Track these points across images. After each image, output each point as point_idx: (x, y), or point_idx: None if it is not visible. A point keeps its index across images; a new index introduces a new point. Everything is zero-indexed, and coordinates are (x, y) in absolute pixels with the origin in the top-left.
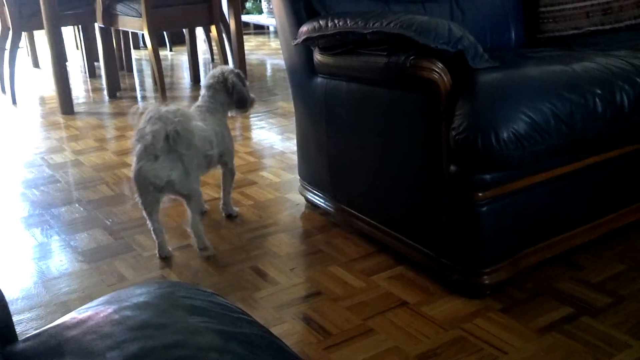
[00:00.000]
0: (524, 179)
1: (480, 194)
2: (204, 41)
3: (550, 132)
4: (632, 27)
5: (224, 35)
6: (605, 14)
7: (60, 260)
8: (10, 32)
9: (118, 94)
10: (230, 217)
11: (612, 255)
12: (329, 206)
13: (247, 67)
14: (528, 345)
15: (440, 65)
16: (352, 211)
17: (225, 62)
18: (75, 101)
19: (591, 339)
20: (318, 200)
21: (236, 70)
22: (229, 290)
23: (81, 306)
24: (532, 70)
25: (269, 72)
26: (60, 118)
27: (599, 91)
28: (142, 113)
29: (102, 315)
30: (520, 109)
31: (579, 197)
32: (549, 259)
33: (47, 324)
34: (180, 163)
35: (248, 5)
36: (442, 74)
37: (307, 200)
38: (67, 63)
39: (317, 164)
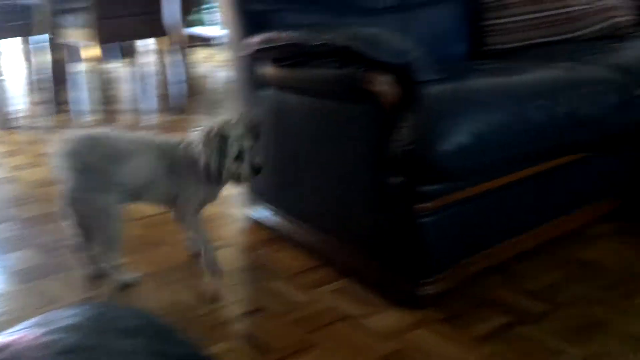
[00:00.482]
0: (466, 190)
1: (424, 205)
2: (153, 53)
3: (493, 144)
4: (572, 39)
5: (173, 48)
6: (547, 26)
7: None
8: None
9: (60, 108)
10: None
11: (547, 264)
12: (274, 220)
13: (194, 80)
14: (467, 354)
15: (388, 77)
16: (298, 224)
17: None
18: (16, 115)
19: (529, 347)
20: (263, 213)
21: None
22: (167, 309)
23: (8, 329)
24: (477, 83)
25: (216, 84)
26: None
27: (540, 103)
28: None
29: (28, 338)
30: (465, 121)
31: (518, 207)
32: (489, 268)
33: None
34: None
35: (193, 17)
36: (390, 87)
37: (252, 214)
38: (2, 77)
39: (263, 177)
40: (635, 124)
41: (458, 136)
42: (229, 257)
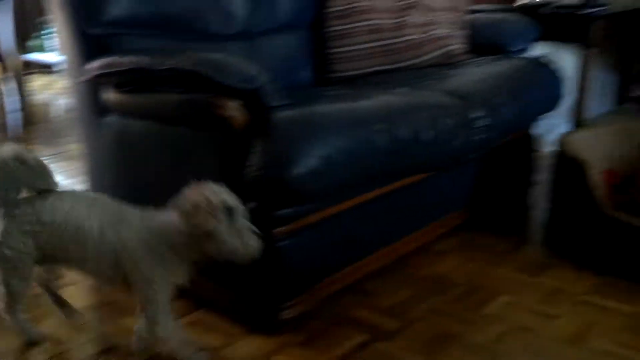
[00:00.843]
0: (319, 212)
1: (278, 230)
2: None
3: (341, 167)
4: (411, 66)
5: (8, 75)
6: (388, 55)
7: None
8: None
9: None
10: None
11: (400, 281)
12: None
13: (33, 109)
14: None
15: (236, 103)
16: None
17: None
18: None
19: None
20: None
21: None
22: (4, 357)
23: None
24: (324, 108)
25: (56, 112)
26: None
27: (382, 127)
28: None
29: None
30: (313, 144)
31: (370, 226)
32: (345, 288)
33: None
34: None
35: (32, 42)
36: (238, 112)
37: None
38: None
39: None
40: (472, 143)
41: (308, 160)
42: (75, 295)
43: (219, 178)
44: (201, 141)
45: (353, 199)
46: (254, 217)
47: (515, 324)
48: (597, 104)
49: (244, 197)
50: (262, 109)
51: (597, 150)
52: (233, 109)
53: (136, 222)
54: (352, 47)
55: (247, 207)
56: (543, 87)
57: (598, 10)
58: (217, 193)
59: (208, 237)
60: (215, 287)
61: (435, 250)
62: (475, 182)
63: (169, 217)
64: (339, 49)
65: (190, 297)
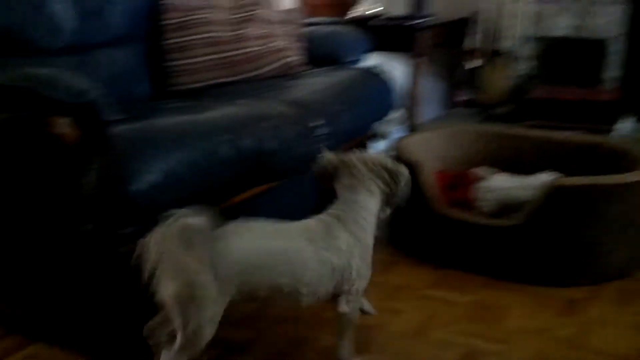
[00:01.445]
0: None
1: (123, 249)
2: None
3: (185, 180)
4: (251, 78)
5: None
6: (227, 67)
7: None
8: None
9: None
10: None
11: None
12: None
13: None
14: None
15: (67, 118)
16: None
17: None
18: None
19: None
20: None
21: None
22: None
23: None
24: (164, 121)
25: None
26: None
27: (226, 137)
28: None
29: None
30: (154, 159)
31: None
32: None
33: None
34: None
35: None
36: (70, 128)
37: None
38: None
39: None
40: (313, 152)
41: (148, 174)
42: None
43: (53, 199)
44: (32, 162)
45: None
46: (95, 238)
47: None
48: (429, 110)
49: (82, 217)
50: (95, 124)
51: (428, 152)
52: (64, 126)
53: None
54: (191, 60)
55: (85, 229)
56: (376, 95)
57: (424, 21)
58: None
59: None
60: (56, 316)
61: None
62: (319, 189)
63: (354, 201)
64: (178, 62)
65: (25, 332)
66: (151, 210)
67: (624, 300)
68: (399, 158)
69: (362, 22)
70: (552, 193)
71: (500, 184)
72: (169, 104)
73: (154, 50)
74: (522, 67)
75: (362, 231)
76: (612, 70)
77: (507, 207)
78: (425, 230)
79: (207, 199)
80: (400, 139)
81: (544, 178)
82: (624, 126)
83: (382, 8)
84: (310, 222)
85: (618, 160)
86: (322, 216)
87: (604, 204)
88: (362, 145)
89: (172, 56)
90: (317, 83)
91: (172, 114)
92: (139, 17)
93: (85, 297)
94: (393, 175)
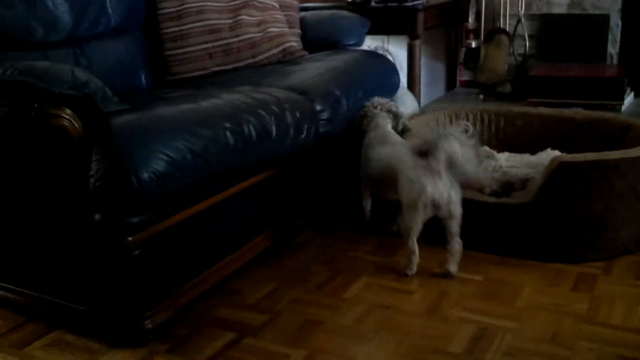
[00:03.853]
0: (173, 216)
1: (130, 238)
2: None
3: (189, 168)
4: (250, 65)
5: None
6: (226, 54)
7: None
8: None
9: None
10: None
11: (263, 275)
12: None
13: None
14: None
15: (68, 111)
16: None
17: None
18: None
19: (256, 358)
20: None
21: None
22: None
23: None
24: (165, 111)
25: None
26: None
27: (228, 125)
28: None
29: None
30: (157, 148)
31: (227, 226)
32: (209, 290)
33: None
34: (456, 183)
35: None
36: (72, 120)
37: None
38: None
39: None
40: (317, 135)
41: (152, 163)
42: None
43: (60, 190)
44: (37, 154)
45: (207, 199)
46: (104, 228)
47: (374, 304)
48: (430, 91)
49: (90, 208)
50: (96, 115)
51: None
52: (65, 118)
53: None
54: (189, 49)
55: (94, 219)
56: (378, 77)
57: (421, 2)
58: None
59: None
60: (71, 304)
61: (294, 243)
62: (326, 173)
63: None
64: (176, 51)
65: (45, 319)
66: (156, 199)
67: (635, 275)
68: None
69: (360, 5)
70: (558, 170)
71: (504, 163)
72: (169, 93)
73: (151, 40)
74: (522, 45)
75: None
76: (613, 46)
77: (510, 186)
78: None
79: (213, 186)
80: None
81: (547, 156)
82: (626, 101)
83: None
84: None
85: (622, 135)
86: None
87: (609, 179)
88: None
89: (169, 45)
90: (317, 67)
91: (173, 103)
92: (135, 7)
93: (97, 284)
94: (394, 113)
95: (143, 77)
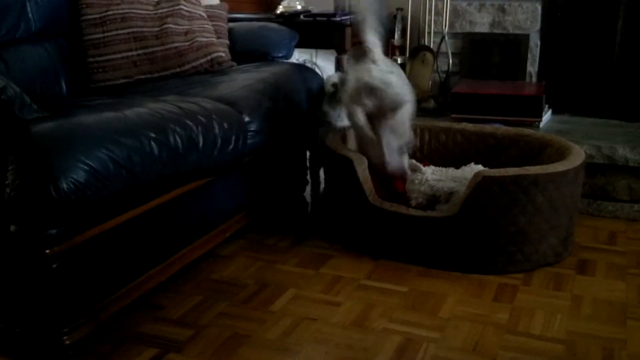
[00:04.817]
0: (94, 228)
1: (48, 251)
2: None
3: (111, 178)
4: (177, 74)
5: None
6: (151, 63)
7: None
8: None
9: None
10: None
11: (188, 288)
12: None
13: None
14: None
15: None
16: None
17: None
18: None
19: None
20: None
21: None
22: None
23: None
24: (86, 119)
25: None
26: None
27: (153, 134)
28: None
29: None
30: (77, 157)
31: (151, 239)
32: (130, 305)
33: None
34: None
35: None
36: None
37: None
38: None
39: None
40: (245, 147)
41: (72, 174)
42: None
43: None
44: None
45: (131, 210)
46: (20, 240)
47: (301, 316)
48: None
49: (5, 219)
50: (13, 123)
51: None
52: None
53: None
54: (113, 56)
55: (9, 230)
56: (307, 90)
57: (348, 18)
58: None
59: None
60: None
61: (222, 255)
62: (253, 184)
63: None
64: (99, 58)
65: None
66: (77, 210)
67: (554, 286)
68: (334, 153)
69: (288, 18)
70: (481, 184)
71: (430, 176)
72: (92, 101)
73: (74, 46)
74: (446, 63)
75: None
76: (532, 65)
77: (436, 199)
78: (362, 223)
79: (137, 198)
80: (333, 135)
81: (471, 170)
82: (545, 118)
83: (303, 5)
84: None
85: (541, 150)
86: None
87: (529, 193)
88: (297, 140)
89: (93, 52)
90: (245, 79)
91: (95, 111)
92: (57, 13)
93: (12, 299)
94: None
95: (64, 84)
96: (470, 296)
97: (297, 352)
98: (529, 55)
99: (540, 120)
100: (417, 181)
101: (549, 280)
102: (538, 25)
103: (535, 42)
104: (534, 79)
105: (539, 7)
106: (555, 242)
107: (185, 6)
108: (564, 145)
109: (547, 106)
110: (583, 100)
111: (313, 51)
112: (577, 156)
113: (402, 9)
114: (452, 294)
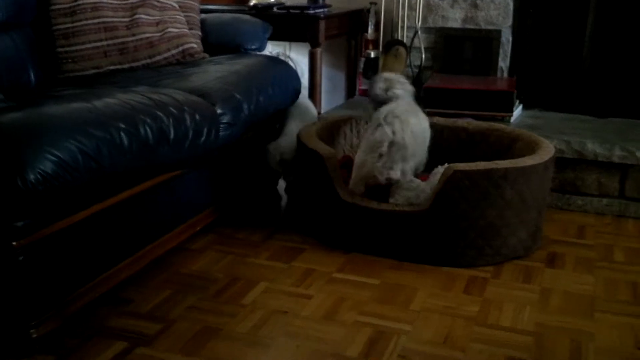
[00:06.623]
0: (62, 220)
1: (15, 243)
2: None
3: (79, 170)
4: (148, 65)
5: None
6: (122, 53)
7: None
8: None
9: None
10: None
11: (158, 282)
12: None
13: None
14: None
15: None
16: None
17: None
18: None
19: None
20: None
21: None
22: None
23: None
24: (54, 109)
25: None
26: None
27: (123, 126)
28: None
29: None
30: (45, 148)
31: (120, 232)
32: (98, 298)
33: None
34: None
35: None
36: None
37: None
38: None
39: None
40: (217, 140)
41: (39, 164)
42: None
43: None
44: None
45: (100, 203)
46: None
47: (272, 309)
48: (330, 99)
49: None
50: None
51: (330, 141)
52: None
53: None
54: (83, 46)
55: None
56: (280, 82)
57: (323, 11)
58: None
59: None
60: None
61: (192, 249)
62: (224, 177)
63: None
64: (68, 48)
65: None
66: (44, 202)
67: (523, 278)
68: (305, 147)
69: (261, 10)
70: (452, 178)
71: (427, 191)
72: (60, 92)
73: (42, 36)
74: (419, 57)
75: None
76: (504, 61)
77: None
78: (333, 217)
79: (107, 189)
80: (303, 129)
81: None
82: (515, 113)
83: None
84: None
85: (511, 145)
86: None
87: (499, 187)
88: (270, 131)
89: (62, 42)
90: (218, 70)
91: (63, 101)
92: (25, 2)
93: None
94: None
95: (32, 75)
96: (441, 289)
97: (268, 346)
98: (501, 51)
99: (511, 115)
100: (411, 187)
101: (518, 273)
102: (510, 21)
103: (507, 37)
104: (506, 74)
105: (511, 4)
106: (525, 236)
107: None
108: (534, 140)
109: (518, 101)
110: (553, 96)
111: (287, 44)
112: (547, 151)
113: (375, 3)
114: (422, 287)
